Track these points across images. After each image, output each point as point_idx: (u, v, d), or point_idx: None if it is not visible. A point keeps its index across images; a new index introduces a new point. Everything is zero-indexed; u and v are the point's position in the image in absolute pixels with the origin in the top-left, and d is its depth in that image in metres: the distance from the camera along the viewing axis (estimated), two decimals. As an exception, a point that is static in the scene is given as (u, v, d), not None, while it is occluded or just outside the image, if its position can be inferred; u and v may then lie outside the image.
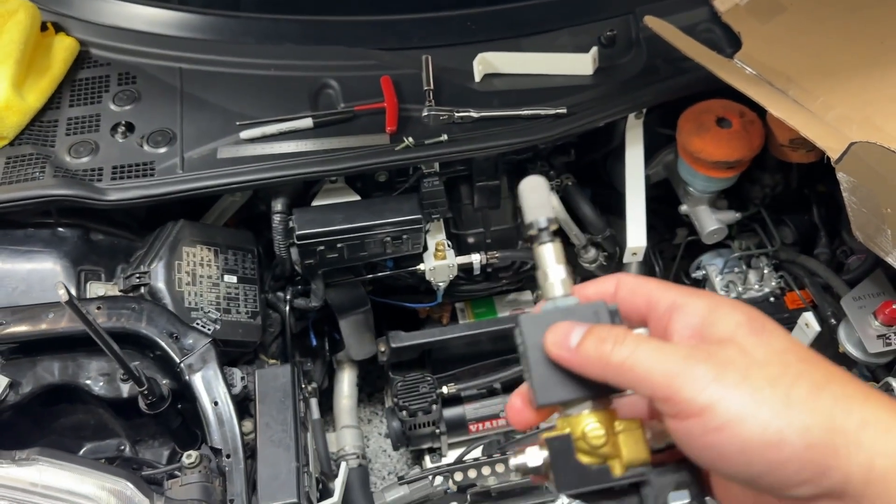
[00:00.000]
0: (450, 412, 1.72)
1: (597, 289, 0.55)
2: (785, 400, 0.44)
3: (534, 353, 0.51)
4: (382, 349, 1.66)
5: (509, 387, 1.76)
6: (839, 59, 1.36)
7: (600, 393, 0.51)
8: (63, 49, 1.45)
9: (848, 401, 0.44)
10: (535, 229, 0.53)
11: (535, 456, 0.51)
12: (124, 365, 1.06)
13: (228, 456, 1.14)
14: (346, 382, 1.75)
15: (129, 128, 1.38)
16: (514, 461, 0.52)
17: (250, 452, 1.17)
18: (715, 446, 0.45)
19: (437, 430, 1.69)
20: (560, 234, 1.62)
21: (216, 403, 1.16)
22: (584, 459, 0.50)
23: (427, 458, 1.74)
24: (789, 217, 1.60)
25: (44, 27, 1.47)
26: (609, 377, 0.48)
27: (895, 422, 0.44)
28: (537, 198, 0.54)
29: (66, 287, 0.95)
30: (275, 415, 1.18)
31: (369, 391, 2.02)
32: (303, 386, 1.47)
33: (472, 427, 1.74)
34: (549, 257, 0.53)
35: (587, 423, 0.50)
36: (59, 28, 1.49)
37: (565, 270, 0.53)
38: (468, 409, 1.74)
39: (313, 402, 1.63)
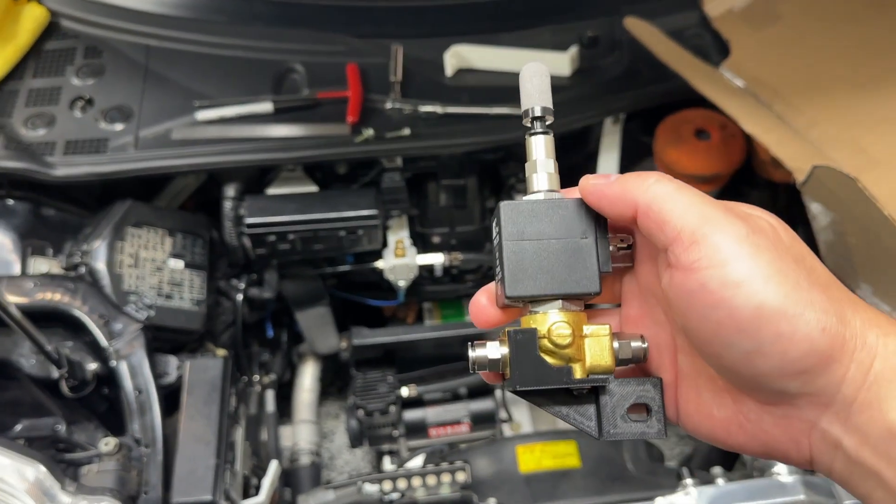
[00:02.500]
0: (411, 414, 1.67)
1: None
2: (807, 280, 0.42)
3: (510, 243, 0.49)
4: (344, 345, 1.62)
5: (475, 392, 1.71)
6: (831, 74, 1.28)
7: (575, 288, 0.49)
8: (32, 19, 1.42)
9: (853, 301, 0.44)
10: (528, 118, 0.50)
11: (494, 349, 0.49)
12: (39, 346, 1.03)
13: (147, 446, 1.10)
14: (308, 376, 1.71)
15: (89, 102, 1.35)
16: (472, 353, 0.49)
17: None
18: (727, 303, 0.42)
19: (395, 433, 1.65)
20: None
21: (139, 392, 1.13)
22: (546, 358, 0.48)
23: (387, 459, 1.70)
24: (774, 237, 1.52)
25: (17, -5, 1.44)
26: (640, 210, 0.46)
27: (894, 328, 0.43)
28: (537, 84, 0.50)
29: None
30: (200, 408, 1.14)
31: (340, 385, 1.98)
32: (249, 380, 1.44)
33: (433, 431, 1.69)
34: (540, 149, 0.50)
35: (554, 321, 0.48)
36: (32, -4, 1.47)
37: (554, 166, 0.51)
38: (430, 413, 1.69)
39: (269, 394, 1.60)
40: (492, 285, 0.52)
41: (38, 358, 1.20)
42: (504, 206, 0.50)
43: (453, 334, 1.59)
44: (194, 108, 1.32)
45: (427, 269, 1.49)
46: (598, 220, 0.50)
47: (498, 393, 1.71)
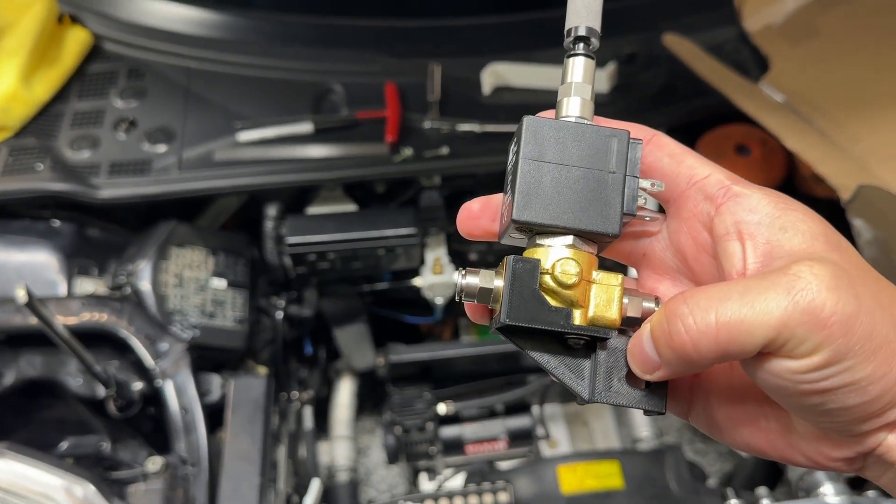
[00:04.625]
0: (448, 431, 1.67)
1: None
2: (890, 312, 0.39)
3: (528, 161, 0.43)
4: (381, 362, 1.62)
5: (512, 409, 1.71)
6: (873, 89, 1.27)
7: (591, 225, 0.43)
8: (77, 42, 1.45)
9: None
10: (571, 37, 0.44)
11: (488, 278, 0.43)
12: (88, 366, 1.05)
13: (193, 465, 1.12)
14: (345, 392, 1.71)
15: (133, 124, 1.38)
16: (462, 280, 0.43)
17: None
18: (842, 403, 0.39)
19: (432, 449, 1.65)
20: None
21: (185, 411, 1.14)
22: (546, 297, 0.42)
23: (423, 476, 1.70)
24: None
25: (61, 18, 1.47)
26: (709, 354, 0.38)
27: None
28: (588, 2, 0.44)
29: (27, 289, 0.94)
30: (245, 427, 1.15)
31: (375, 401, 1.98)
32: (288, 397, 1.45)
33: (470, 448, 1.69)
34: (578, 71, 0.44)
35: (561, 256, 0.42)
36: (75, 20, 1.50)
37: (591, 93, 0.45)
38: (466, 430, 1.69)
39: (307, 410, 1.61)
40: (492, 198, 0.47)
41: (85, 377, 1.22)
42: (528, 120, 0.44)
43: (489, 351, 1.59)
44: (235, 129, 1.34)
45: (464, 287, 1.49)
46: (630, 153, 0.44)
47: (535, 409, 1.71)
